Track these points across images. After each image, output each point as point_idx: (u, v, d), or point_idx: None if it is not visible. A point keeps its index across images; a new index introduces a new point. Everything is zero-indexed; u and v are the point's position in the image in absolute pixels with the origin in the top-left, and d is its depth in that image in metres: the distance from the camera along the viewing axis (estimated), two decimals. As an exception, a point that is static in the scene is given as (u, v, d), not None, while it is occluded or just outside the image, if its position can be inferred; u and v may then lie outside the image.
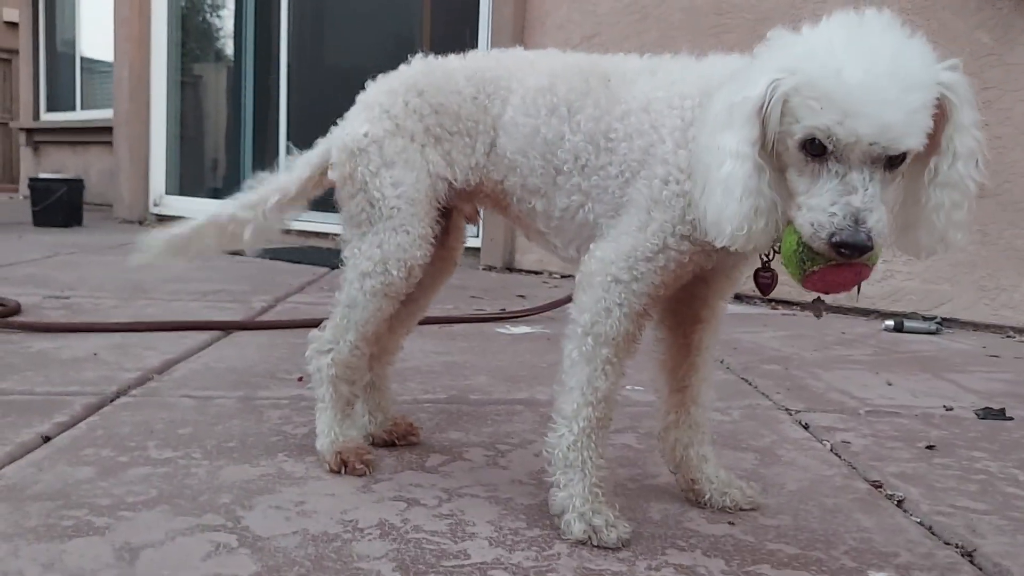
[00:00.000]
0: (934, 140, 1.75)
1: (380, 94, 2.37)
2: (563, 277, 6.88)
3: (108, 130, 11.47)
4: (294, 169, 2.53)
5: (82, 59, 14.03)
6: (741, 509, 2.24)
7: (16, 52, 16.39)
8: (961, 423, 3.14)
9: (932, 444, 2.84)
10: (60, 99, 14.60)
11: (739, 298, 5.90)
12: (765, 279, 2.04)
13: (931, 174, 1.78)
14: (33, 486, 2.18)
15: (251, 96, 10.51)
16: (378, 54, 8.99)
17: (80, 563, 1.78)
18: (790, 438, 2.87)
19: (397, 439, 2.65)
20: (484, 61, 2.35)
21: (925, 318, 5.33)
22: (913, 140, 1.66)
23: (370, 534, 1.99)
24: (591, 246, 2.10)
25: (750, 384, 3.58)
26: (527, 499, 2.26)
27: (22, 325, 4.05)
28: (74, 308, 4.65)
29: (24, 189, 12.79)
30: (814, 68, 1.68)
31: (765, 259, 2.02)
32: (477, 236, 7.20)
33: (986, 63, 5.25)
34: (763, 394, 3.42)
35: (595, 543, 1.97)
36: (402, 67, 2.41)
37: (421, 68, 2.37)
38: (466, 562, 1.87)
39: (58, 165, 13.92)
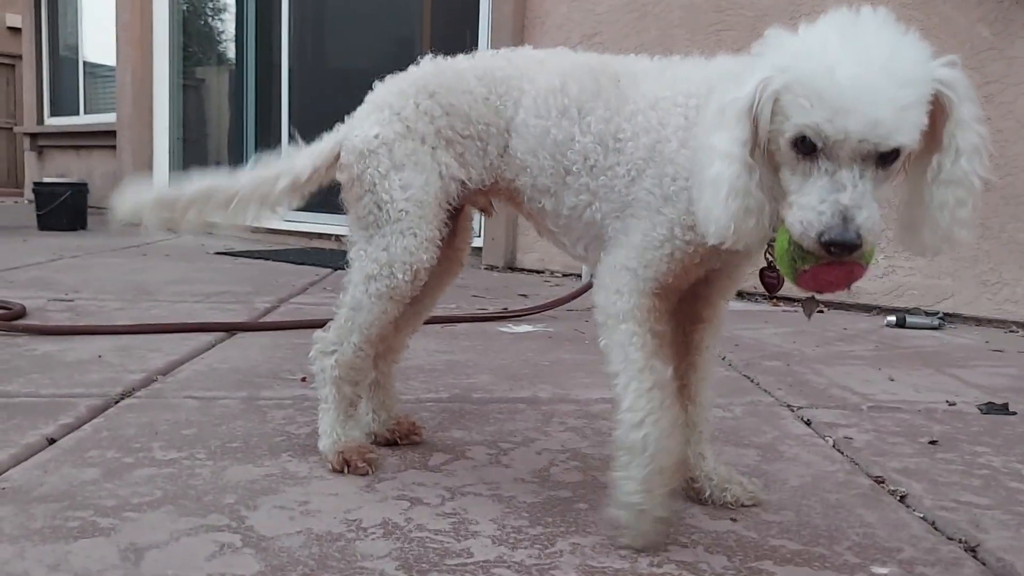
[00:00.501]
0: (936, 137, 1.74)
1: (390, 95, 2.35)
2: (564, 276, 6.89)
3: (111, 134, 11.49)
4: (306, 156, 2.49)
5: (85, 63, 14.05)
6: (742, 505, 2.24)
7: (19, 57, 16.41)
8: (964, 418, 3.14)
9: (935, 439, 2.84)
10: (63, 104, 14.63)
11: (740, 295, 5.90)
12: (771, 278, 2.02)
13: (934, 172, 1.76)
14: (38, 488, 2.18)
15: (253, 98, 10.51)
16: (379, 55, 9.00)
17: (86, 564, 1.79)
18: (792, 434, 2.87)
19: (400, 438, 2.65)
20: (495, 61, 2.33)
21: (927, 313, 5.33)
22: (904, 136, 1.64)
23: (373, 533, 2.00)
24: (602, 254, 2.11)
25: (752, 381, 3.58)
26: (530, 497, 2.27)
27: (27, 328, 4.06)
28: (79, 311, 4.66)
29: (28, 193, 12.79)
30: (806, 66, 1.67)
31: (771, 259, 1.97)
32: (479, 236, 7.20)
33: (987, 57, 5.25)
34: (765, 390, 3.43)
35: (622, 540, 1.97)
36: (412, 68, 2.39)
37: (431, 69, 2.36)
38: (469, 560, 1.88)
39: (62, 169, 13.95)
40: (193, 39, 11.60)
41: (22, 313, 4.37)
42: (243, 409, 2.94)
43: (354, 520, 2.07)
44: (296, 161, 2.48)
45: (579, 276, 6.56)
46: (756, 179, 1.77)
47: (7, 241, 8.36)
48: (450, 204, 2.33)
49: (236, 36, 11.10)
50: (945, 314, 5.35)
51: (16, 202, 15.63)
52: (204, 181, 2.54)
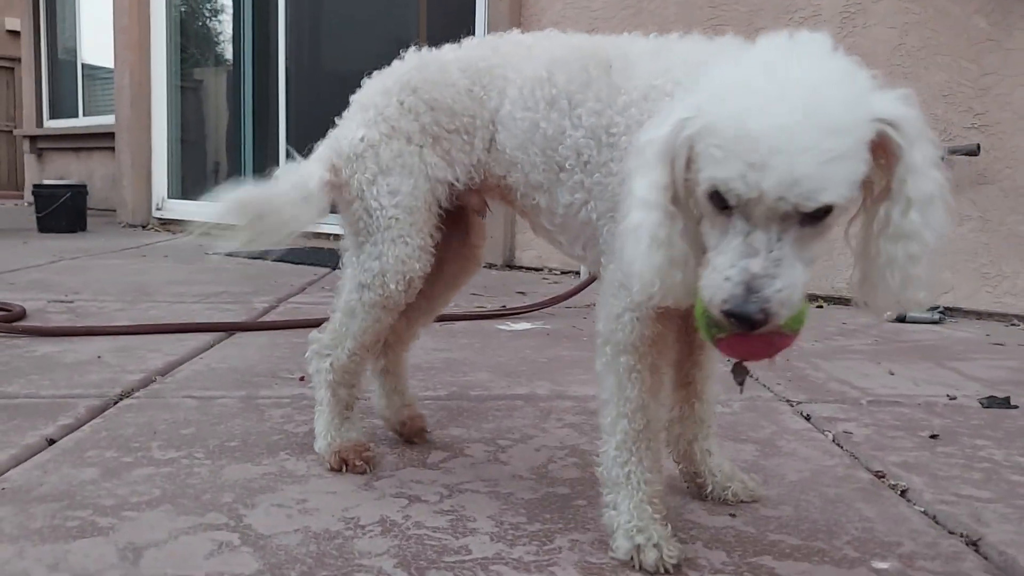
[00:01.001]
0: (886, 184, 1.58)
1: (375, 94, 2.31)
2: (563, 273, 6.88)
3: (110, 136, 11.49)
4: (311, 165, 2.38)
5: (83, 66, 14.04)
6: (742, 501, 2.23)
7: (18, 60, 16.40)
8: (964, 412, 3.14)
9: (935, 433, 2.83)
10: (62, 106, 14.62)
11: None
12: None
13: (881, 223, 1.59)
14: (38, 488, 2.19)
15: (250, 99, 10.51)
16: (375, 55, 8.88)
17: (85, 563, 1.79)
18: (791, 429, 2.87)
19: (404, 436, 2.66)
20: (478, 50, 2.26)
21: (927, 308, 5.32)
22: (831, 194, 1.44)
23: (371, 531, 2.00)
24: (603, 259, 2.02)
25: (750, 376, 3.57)
26: (528, 494, 2.27)
27: (27, 329, 4.07)
28: (78, 312, 4.67)
29: (28, 195, 12.79)
30: (719, 110, 1.50)
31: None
32: (477, 233, 7.19)
33: (984, 49, 5.25)
34: (764, 385, 3.42)
35: (636, 565, 1.87)
36: (395, 63, 2.35)
37: (415, 63, 2.30)
38: (467, 557, 1.88)
39: (62, 171, 13.95)
40: (191, 41, 11.59)
41: (22, 315, 4.38)
42: (241, 408, 2.94)
43: (352, 518, 2.07)
44: (304, 170, 2.38)
45: (577, 274, 6.55)
46: (679, 228, 1.64)
47: (7, 243, 8.36)
48: (440, 207, 2.29)
49: (233, 38, 11.10)
50: (945, 308, 5.34)
51: (16, 204, 15.63)
52: (273, 196, 2.39)
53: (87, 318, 4.47)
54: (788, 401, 3.20)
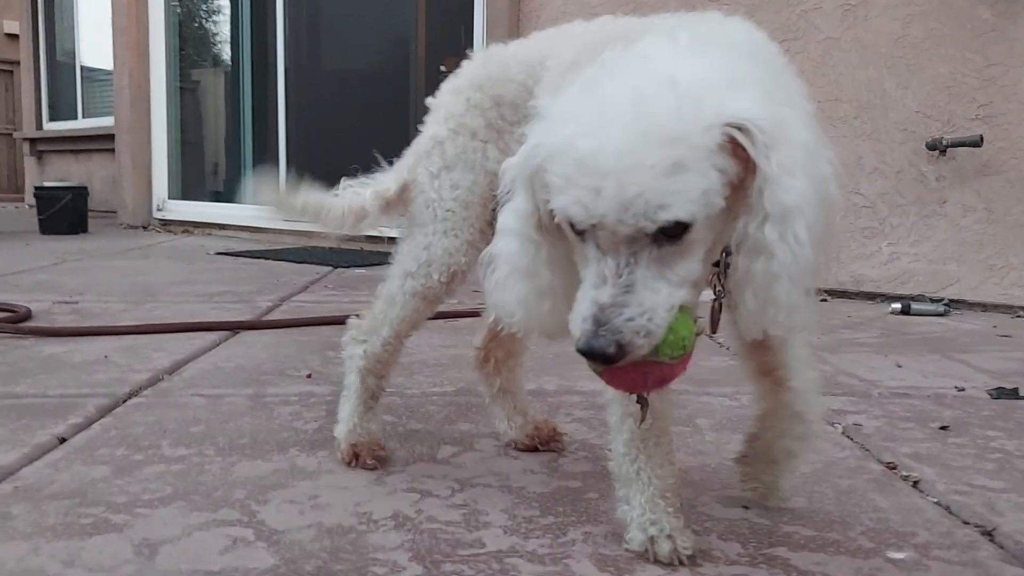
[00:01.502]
0: (743, 193, 1.45)
1: (445, 94, 2.31)
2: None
3: (110, 138, 11.48)
4: (393, 172, 2.44)
5: (82, 68, 14.04)
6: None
7: (17, 63, 16.43)
8: (974, 403, 3.13)
9: (946, 424, 2.83)
10: (62, 108, 14.63)
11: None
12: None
13: (739, 237, 1.46)
14: (50, 486, 2.18)
15: (249, 99, 10.52)
16: (374, 55, 9.00)
17: (100, 559, 1.79)
18: (801, 422, 2.85)
19: (540, 444, 2.58)
20: (536, 41, 2.23)
21: (932, 300, 5.32)
22: (676, 210, 1.34)
23: (384, 525, 1.99)
24: None
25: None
26: (539, 488, 2.26)
27: (33, 330, 4.07)
28: (83, 313, 4.67)
29: (29, 198, 12.80)
30: (556, 135, 1.43)
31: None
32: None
33: (989, 39, 5.24)
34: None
35: (651, 557, 1.85)
36: (465, 62, 2.33)
37: (481, 60, 2.29)
38: (481, 551, 1.87)
39: (62, 173, 13.94)
40: (189, 42, 11.59)
41: (28, 316, 4.39)
42: (250, 406, 2.93)
43: (364, 513, 2.07)
44: (384, 178, 2.43)
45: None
46: (543, 257, 1.58)
47: (10, 245, 8.36)
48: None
49: (231, 38, 11.11)
50: (951, 300, 5.34)
51: (17, 207, 15.63)
52: (332, 197, 2.52)
53: (92, 318, 4.47)
54: (797, 394, 3.18)
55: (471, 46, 7.50)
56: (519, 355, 2.66)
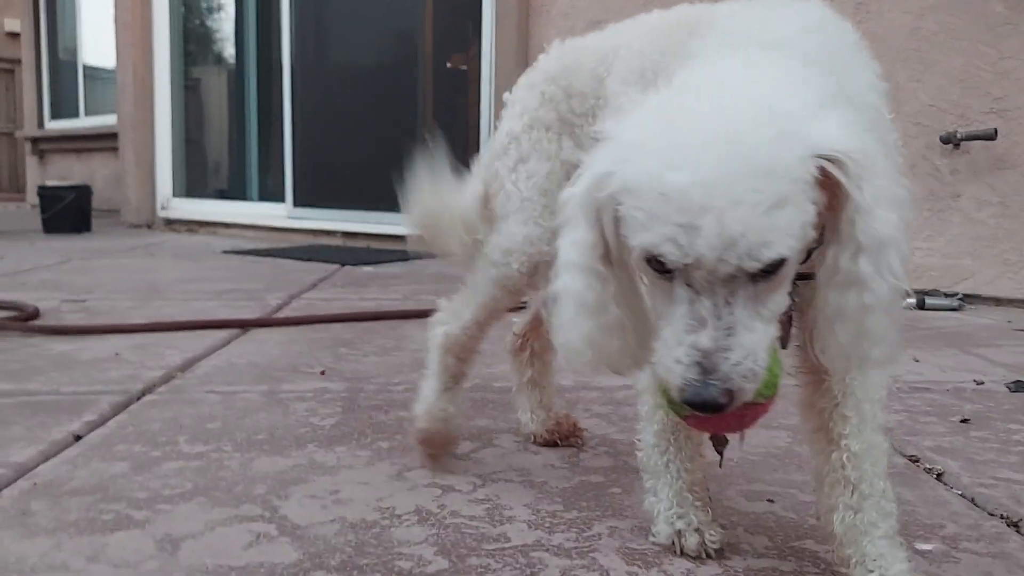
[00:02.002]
0: (832, 223, 1.37)
1: (521, 89, 2.27)
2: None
3: (112, 136, 11.50)
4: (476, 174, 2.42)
5: (84, 67, 14.06)
6: None
7: (19, 62, 16.42)
8: (994, 396, 3.12)
9: (966, 418, 2.81)
10: (64, 107, 14.65)
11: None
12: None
13: (829, 270, 1.39)
14: (70, 482, 2.17)
15: (254, 97, 10.53)
16: (380, 51, 8.98)
17: (123, 555, 1.78)
18: (821, 416, 2.83)
19: (560, 439, 2.56)
20: (613, 29, 2.15)
21: (947, 295, 5.30)
22: (778, 247, 1.25)
23: (408, 520, 1.98)
24: None
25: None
26: (562, 482, 2.25)
27: (43, 329, 4.06)
28: (92, 311, 4.66)
29: (32, 197, 12.81)
30: (635, 164, 1.31)
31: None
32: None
33: (1002, 32, 5.21)
34: (788, 373, 3.38)
35: (678, 550, 1.83)
36: (541, 55, 2.28)
37: (556, 51, 2.23)
38: (507, 545, 1.86)
39: (64, 172, 13.95)
40: (193, 39, 11.60)
41: (36, 314, 4.37)
42: (265, 402, 2.92)
43: (387, 508, 2.05)
44: (472, 179, 2.41)
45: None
46: (611, 291, 1.48)
47: (14, 245, 8.36)
48: None
49: (236, 35, 11.12)
50: (965, 295, 5.31)
51: (19, 206, 15.66)
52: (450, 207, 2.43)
53: (101, 316, 4.47)
54: (814, 388, 3.17)
55: (479, 42, 7.49)
56: (553, 349, 2.56)
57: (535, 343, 2.59)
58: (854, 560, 1.69)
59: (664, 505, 1.87)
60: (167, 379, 3.20)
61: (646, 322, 1.49)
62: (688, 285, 1.31)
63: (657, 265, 1.32)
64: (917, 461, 2.42)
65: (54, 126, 14.77)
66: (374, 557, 1.78)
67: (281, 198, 9.43)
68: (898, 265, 1.36)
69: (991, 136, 5.18)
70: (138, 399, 2.94)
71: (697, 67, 1.44)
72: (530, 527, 1.96)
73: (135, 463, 2.32)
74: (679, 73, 1.45)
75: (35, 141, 14.97)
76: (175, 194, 10.99)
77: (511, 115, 2.25)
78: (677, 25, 1.86)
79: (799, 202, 1.26)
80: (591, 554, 1.82)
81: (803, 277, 1.48)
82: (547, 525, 1.97)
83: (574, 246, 1.47)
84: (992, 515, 2.06)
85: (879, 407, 1.73)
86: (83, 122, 14.00)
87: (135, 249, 8.02)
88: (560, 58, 2.20)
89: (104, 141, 12.63)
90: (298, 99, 9.29)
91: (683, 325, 1.31)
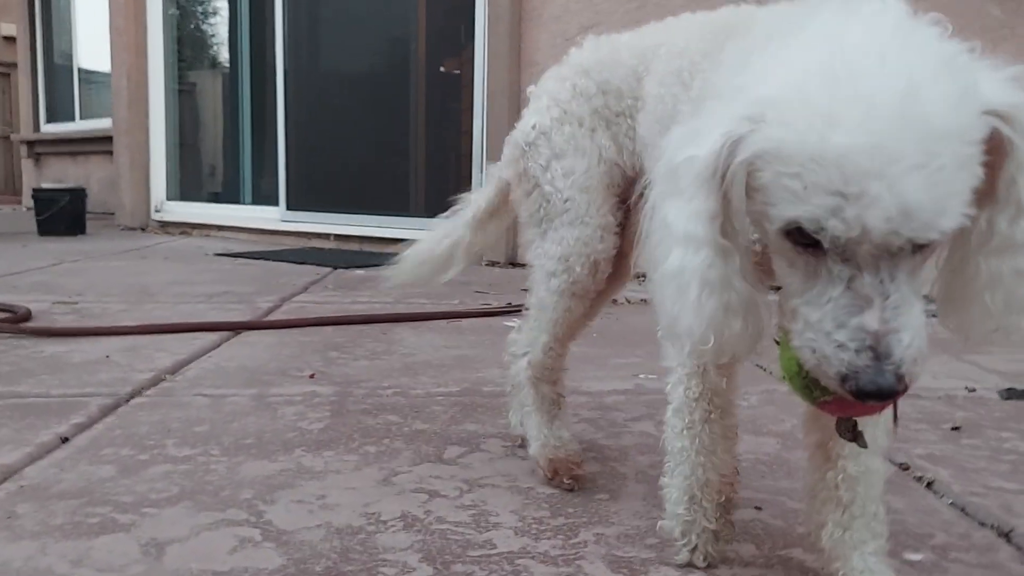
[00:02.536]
0: (990, 184, 1.23)
1: (549, 81, 2.22)
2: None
3: (107, 139, 11.49)
4: (486, 183, 2.42)
5: (79, 70, 14.07)
6: None
7: (15, 66, 16.42)
8: (986, 404, 3.11)
9: (958, 425, 2.80)
10: (59, 110, 14.65)
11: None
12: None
13: (983, 235, 1.26)
14: (56, 485, 2.17)
15: (248, 100, 10.52)
16: (373, 54, 8.97)
17: (108, 559, 1.77)
18: (811, 423, 2.82)
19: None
20: (651, 28, 2.08)
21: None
22: (952, 218, 1.13)
23: (393, 526, 1.97)
24: None
25: (764, 370, 3.52)
26: (548, 488, 2.24)
27: (34, 331, 4.05)
28: (83, 313, 4.65)
29: (27, 200, 12.79)
30: (787, 124, 1.17)
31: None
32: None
33: (998, 37, 5.19)
34: (780, 379, 3.38)
35: (676, 554, 1.80)
36: (573, 50, 2.23)
37: (590, 46, 2.19)
38: (493, 552, 1.85)
39: (59, 175, 13.95)
40: (188, 43, 11.60)
41: (27, 316, 4.36)
42: (254, 406, 2.91)
43: (373, 513, 2.05)
44: (475, 194, 2.42)
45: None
46: (735, 266, 1.33)
47: (8, 247, 8.34)
48: (617, 189, 2.13)
49: (230, 39, 11.11)
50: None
51: (14, 209, 15.64)
52: (435, 236, 2.48)
53: (92, 319, 4.45)
54: (805, 395, 3.15)
55: (471, 46, 7.49)
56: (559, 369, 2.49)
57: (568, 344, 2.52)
58: (841, 573, 1.67)
59: (673, 499, 1.81)
60: (156, 382, 3.19)
61: (763, 298, 1.38)
62: (844, 261, 1.19)
63: (804, 239, 1.20)
64: (907, 469, 2.40)
65: (50, 129, 14.78)
66: (359, 564, 1.77)
67: (274, 201, 9.41)
68: None
69: (986, 142, 5.15)
70: (127, 402, 2.93)
71: (830, 15, 1.26)
72: (516, 534, 1.95)
73: (122, 466, 2.31)
74: (799, 28, 1.28)
75: (31, 144, 14.98)
76: (169, 197, 10.97)
77: (537, 109, 2.20)
78: (722, 27, 1.75)
79: (973, 165, 1.16)
80: (577, 561, 1.81)
81: None
82: (533, 532, 1.96)
83: (694, 218, 1.30)
84: (983, 524, 2.05)
85: (883, 430, 1.66)
86: (78, 125, 14.00)
87: (128, 252, 8.00)
88: (595, 52, 2.16)
89: (99, 144, 12.63)
90: (291, 103, 9.27)
91: (843, 307, 1.20)
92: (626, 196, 2.14)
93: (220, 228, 9.99)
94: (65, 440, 2.51)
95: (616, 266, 2.22)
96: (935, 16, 1.28)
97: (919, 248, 1.17)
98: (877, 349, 1.16)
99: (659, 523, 1.86)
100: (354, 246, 8.37)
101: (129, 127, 10.72)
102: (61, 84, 14.60)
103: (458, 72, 8.11)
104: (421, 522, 2.00)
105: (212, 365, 3.51)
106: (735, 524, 1.94)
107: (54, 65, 14.77)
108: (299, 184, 9.22)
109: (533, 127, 2.19)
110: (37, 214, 9.82)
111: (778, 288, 1.38)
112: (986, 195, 1.23)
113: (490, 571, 1.76)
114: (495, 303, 5.19)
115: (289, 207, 9.23)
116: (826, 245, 1.18)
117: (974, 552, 1.90)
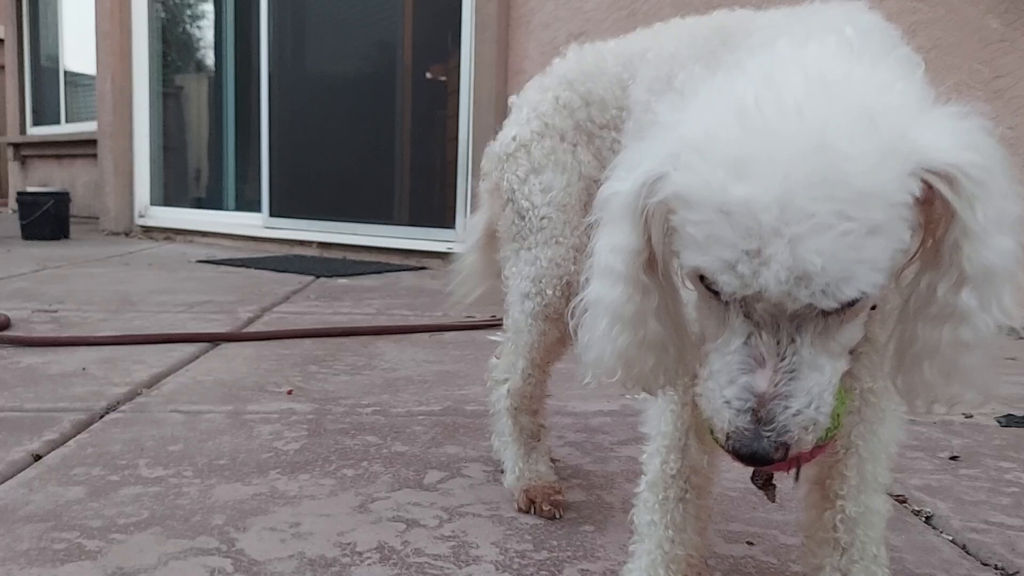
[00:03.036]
0: (929, 241, 1.17)
1: (531, 91, 2.14)
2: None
3: (93, 143, 11.45)
4: (479, 205, 2.34)
5: (66, 73, 14.03)
6: None
7: (2, 68, 16.39)
8: (984, 431, 3.02)
9: (956, 455, 2.72)
10: (45, 113, 14.61)
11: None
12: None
13: (921, 299, 1.19)
14: (24, 507, 2.11)
15: (232, 106, 10.47)
16: (360, 59, 8.91)
17: (69, 591, 1.70)
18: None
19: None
20: (638, 34, 2.00)
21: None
22: (860, 284, 1.04)
23: (369, 558, 1.90)
24: None
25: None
26: (531, 519, 2.16)
27: (12, 340, 3.99)
28: (63, 322, 4.59)
29: (13, 203, 12.73)
30: (691, 172, 1.10)
31: None
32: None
33: (997, 50, 5.14)
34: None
35: None
36: (556, 60, 2.15)
37: (573, 56, 2.10)
38: (472, 588, 1.77)
39: (45, 178, 13.92)
40: (173, 48, 11.55)
41: (6, 324, 4.31)
42: (229, 424, 2.84)
43: (348, 543, 1.97)
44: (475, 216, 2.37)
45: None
46: (653, 304, 1.29)
47: (-10, 252, 8.29)
48: None
49: (215, 43, 11.06)
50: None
51: (0, 212, 15.61)
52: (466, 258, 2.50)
53: (71, 328, 4.39)
54: (796, 419, 3.09)
55: (458, 53, 7.44)
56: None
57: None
58: None
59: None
60: (131, 396, 3.13)
61: (686, 336, 1.34)
62: (746, 315, 1.13)
63: (707, 285, 1.14)
64: (904, 502, 2.32)
65: (36, 132, 14.74)
66: (332, 599, 1.70)
67: (258, 208, 9.37)
68: (1008, 299, 1.14)
69: (982, 157, 5.11)
70: (101, 417, 2.86)
71: (775, 51, 1.20)
72: (497, 568, 1.87)
73: (92, 488, 2.24)
74: (748, 59, 1.22)
75: (17, 147, 14.95)
76: (153, 202, 10.93)
77: (517, 120, 2.13)
78: (715, 31, 1.69)
79: (894, 229, 1.06)
80: (561, 600, 1.74)
81: None
82: (515, 567, 1.88)
83: (615, 252, 1.27)
84: (986, 565, 1.97)
85: (884, 466, 1.56)
86: (64, 128, 13.97)
87: (111, 258, 7.94)
88: (579, 62, 2.07)
89: (85, 148, 12.58)
90: (275, 108, 9.22)
91: (737, 361, 1.14)
92: None
93: (204, 234, 9.95)
94: (37, 457, 2.45)
95: None
96: (905, 53, 1.28)
97: (833, 311, 1.09)
98: (759, 413, 1.11)
99: None
100: (337, 254, 8.32)
101: (113, 131, 10.68)
102: (47, 87, 14.57)
103: (444, 79, 8.05)
104: (398, 554, 1.92)
105: (189, 379, 3.44)
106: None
107: (41, 67, 14.74)
108: (282, 190, 9.18)
109: (513, 138, 2.11)
110: (21, 218, 9.80)
111: None
112: (930, 257, 1.18)
113: (469, 609, 1.69)
114: (479, 315, 5.11)
115: (272, 213, 9.18)
116: (724, 298, 1.12)
117: (977, 595, 1.82)
